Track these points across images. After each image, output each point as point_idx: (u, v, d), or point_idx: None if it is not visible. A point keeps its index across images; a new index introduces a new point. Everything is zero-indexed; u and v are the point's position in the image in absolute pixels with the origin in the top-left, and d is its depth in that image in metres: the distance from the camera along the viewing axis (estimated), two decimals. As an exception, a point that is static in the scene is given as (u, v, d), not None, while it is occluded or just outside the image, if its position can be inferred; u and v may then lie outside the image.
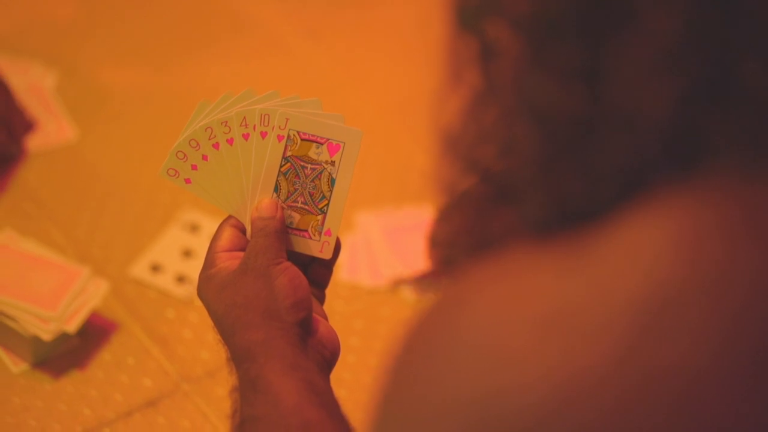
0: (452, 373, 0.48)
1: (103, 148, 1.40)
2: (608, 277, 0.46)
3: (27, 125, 1.37)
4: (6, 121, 1.33)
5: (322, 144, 0.84)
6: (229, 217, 0.85)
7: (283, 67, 1.54)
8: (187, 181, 0.84)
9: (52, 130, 1.40)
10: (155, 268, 1.27)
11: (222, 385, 1.15)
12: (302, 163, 0.84)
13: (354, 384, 1.19)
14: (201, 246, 1.28)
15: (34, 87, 1.45)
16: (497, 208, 0.52)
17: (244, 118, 0.83)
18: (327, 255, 0.85)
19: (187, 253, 1.28)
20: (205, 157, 0.83)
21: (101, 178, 1.37)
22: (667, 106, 0.47)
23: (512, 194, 0.50)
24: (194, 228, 1.30)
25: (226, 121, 0.83)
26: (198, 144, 0.83)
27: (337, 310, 1.25)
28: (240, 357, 0.79)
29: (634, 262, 0.46)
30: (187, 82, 1.51)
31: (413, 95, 1.50)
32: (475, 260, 0.51)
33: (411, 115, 1.48)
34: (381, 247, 1.31)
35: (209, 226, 1.30)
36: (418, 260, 1.29)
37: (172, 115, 1.43)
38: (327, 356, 0.82)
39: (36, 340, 1.14)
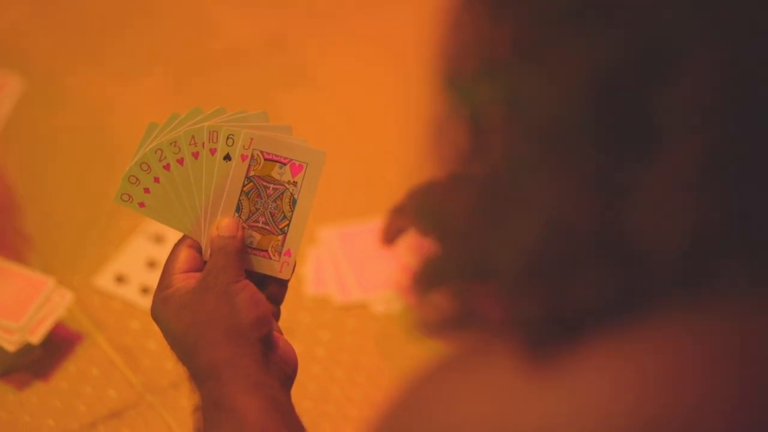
0: None
1: (66, 158, 1.40)
2: (590, 407, 0.46)
3: None
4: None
5: (285, 164, 0.84)
6: (185, 237, 0.84)
7: (247, 78, 1.53)
8: (141, 205, 0.84)
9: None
10: (120, 279, 1.26)
11: (187, 397, 1.15)
12: (264, 183, 0.84)
13: (319, 395, 1.19)
14: (166, 257, 1.27)
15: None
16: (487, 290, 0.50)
17: (193, 136, 0.82)
18: (286, 276, 0.85)
19: (152, 264, 1.28)
20: (157, 179, 0.83)
21: (66, 187, 1.37)
22: (682, 239, 0.45)
23: (507, 288, 0.49)
24: (159, 239, 1.30)
25: (175, 141, 0.82)
26: (149, 167, 0.83)
27: (303, 322, 1.25)
28: (203, 376, 0.78)
29: (616, 394, 0.45)
30: (147, 90, 1.50)
31: (382, 106, 1.50)
32: (456, 331, 0.51)
33: (379, 127, 1.48)
34: (344, 260, 1.30)
35: (174, 237, 1.28)
36: (383, 271, 1.29)
37: (135, 125, 1.42)
38: (289, 372, 0.81)
39: (0, 351, 1.13)
